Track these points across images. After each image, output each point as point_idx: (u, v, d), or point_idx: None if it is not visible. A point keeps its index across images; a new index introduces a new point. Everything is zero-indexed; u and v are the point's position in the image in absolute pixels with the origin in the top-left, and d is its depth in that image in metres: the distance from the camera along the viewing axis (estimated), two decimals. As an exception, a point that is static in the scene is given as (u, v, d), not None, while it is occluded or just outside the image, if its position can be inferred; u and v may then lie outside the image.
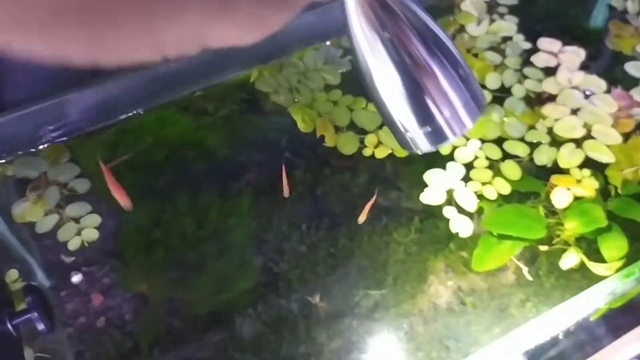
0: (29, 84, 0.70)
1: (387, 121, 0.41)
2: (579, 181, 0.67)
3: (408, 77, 0.38)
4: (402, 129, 0.41)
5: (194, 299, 0.61)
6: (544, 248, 0.63)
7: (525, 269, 0.62)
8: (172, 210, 0.67)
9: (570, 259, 0.62)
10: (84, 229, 0.65)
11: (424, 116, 0.39)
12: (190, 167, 0.71)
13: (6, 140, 0.68)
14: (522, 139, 0.71)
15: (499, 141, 0.71)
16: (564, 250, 0.63)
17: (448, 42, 0.40)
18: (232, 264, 0.63)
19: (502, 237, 0.63)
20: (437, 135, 0.40)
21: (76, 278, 0.62)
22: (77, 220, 0.66)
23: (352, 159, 0.71)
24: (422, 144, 0.41)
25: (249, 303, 0.61)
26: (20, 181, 0.68)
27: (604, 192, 0.67)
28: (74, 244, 0.65)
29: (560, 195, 0.66)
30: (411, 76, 0.38)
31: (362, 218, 0.66)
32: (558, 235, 0.64)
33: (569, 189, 0.66)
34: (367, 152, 0.71)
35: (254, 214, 0.67)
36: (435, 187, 0.68)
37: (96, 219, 0.66)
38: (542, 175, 0.68)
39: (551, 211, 0.66)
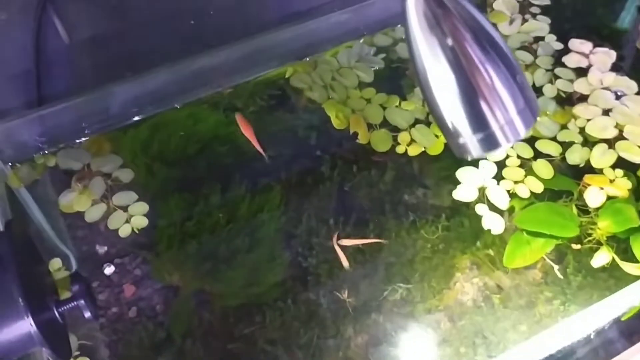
0: (68, 77, 0.72)
1: (439, 123, 0.40)
2: (612, 181, 0.67)
3: (465, 80, 0.37)
4: (454, 133, 0.40)
5: (224, 291, 0.62)
6: (575, 246, 0.63)
7: (555, 267, 0.62)
8: (205, 204, 0.67)
9: (602, 257, 0.62)
10: (133, 217, 0.67)
11: (479, 121, 0.38)
12: (223, 162, 0.72)
13: (49, 132, 0.69)
14: (554, 138, 0.71)
15: (531, 140, 0.71)
16: (596, 249, 0.63)
17: (505, 47, 0.39)
18: (262, 258, 0.64)
19: (534, 234, 0.63)
20: (490, 142, 0.39)
21: (109, 270, 0.64)
22: (124, 208, 0.67)
23: (385, 155, 0.71)
24: (474, 150, 0.40)
25: (278, 296, 0.61)
26: (65, 172, 0.69)
27: (636, 193, 0.67)
28: (124, 231, 0.66)
29: (594, 195, 0.66)
30: (468, 80, 0.37)
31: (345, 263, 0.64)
32: (590, 234, 0.64)
33: (602, 188, 0.67)
34: (400, 149, 0.71)
35: (283, 209, 0.67)
36: (468, 184, 0.68)
37: (144, 207, 0.67)
38: (574, 174, 0.68)
39: (583, 210, 0.66)
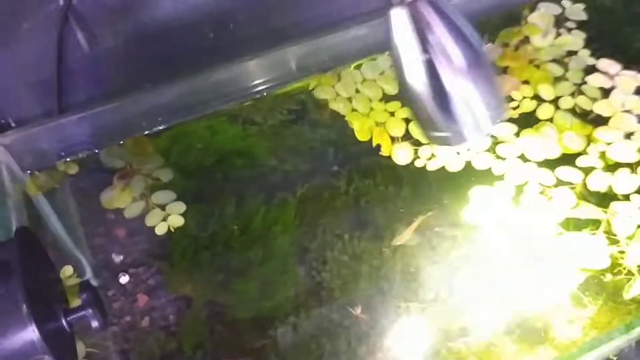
0: (88, 87, 0.73)
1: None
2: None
3: (435, 90, 0.43)
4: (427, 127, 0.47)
5: (237, 303, 0.62)
6: (606, 277, 0.61)
7: (585, 299, 0.60)
8: (220, 216, 0.67)
9: (635, 287, 0.60)
10: (169, 216, 0.67)
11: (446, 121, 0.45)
12: (239, 174, 0.72)
13: (69, 141, 0.71)
14: (574, 165, 0.69)
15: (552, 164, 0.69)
16: (628, 280, 0.60)
17: (479, 55, 0.43)
18: (275, 271, 0.64)
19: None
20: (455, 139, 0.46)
21: (124, 279, 0.64)
22: (162, 207, 0.68)
23: (405, 169, 0.70)
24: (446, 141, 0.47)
25: (290, 311, 0.61)
26: (107, 171, 0.71)
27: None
28: (160, 229, 0.66)
29: (623, 223, 0.64)
30: (438, 89, 0.43)
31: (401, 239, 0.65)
32: (620, 264, 0.61)
33: (630, 216, 0.64)
34: (419, 163, 0.71)
35: (298, 222, 0.67)
36: (483, 203, 0.67)
37: (181, 207, 0.68)
38: (597, 200, 0.66)
39: (612, 239, 0.63)
